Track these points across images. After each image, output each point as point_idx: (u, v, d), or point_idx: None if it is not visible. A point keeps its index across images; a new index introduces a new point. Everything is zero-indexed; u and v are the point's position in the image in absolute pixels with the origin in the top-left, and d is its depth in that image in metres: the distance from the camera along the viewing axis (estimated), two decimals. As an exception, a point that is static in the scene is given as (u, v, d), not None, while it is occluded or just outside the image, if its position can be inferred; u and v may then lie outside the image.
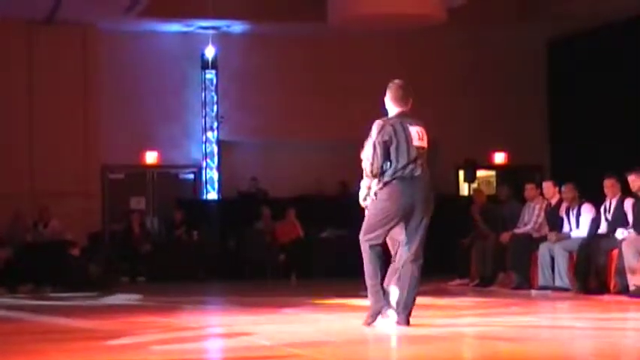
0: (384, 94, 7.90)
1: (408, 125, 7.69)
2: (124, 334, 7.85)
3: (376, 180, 7.67)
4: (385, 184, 7.62)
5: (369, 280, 7.71)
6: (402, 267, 7.67)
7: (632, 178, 11.66)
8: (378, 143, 7.58)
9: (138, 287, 15.17)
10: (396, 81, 7.94)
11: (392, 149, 7.58)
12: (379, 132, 7.62)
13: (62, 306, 11.22)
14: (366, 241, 7.74)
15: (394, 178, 7.59)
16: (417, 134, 7.68)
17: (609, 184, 11.92)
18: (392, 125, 7.65)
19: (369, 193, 7.82)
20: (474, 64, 19.36)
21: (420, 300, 7.92)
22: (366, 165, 7.76)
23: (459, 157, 18.71)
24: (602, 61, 18.15)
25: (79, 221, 16.64)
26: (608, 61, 18.01)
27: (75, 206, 16.96)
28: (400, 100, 7.83)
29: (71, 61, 17.58)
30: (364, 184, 7.91)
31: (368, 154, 7.67)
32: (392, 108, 7.87)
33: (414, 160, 7.59)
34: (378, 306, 7.67)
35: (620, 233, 11.44)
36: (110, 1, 16.54)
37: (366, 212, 7.86)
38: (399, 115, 7.79)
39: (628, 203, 11.72)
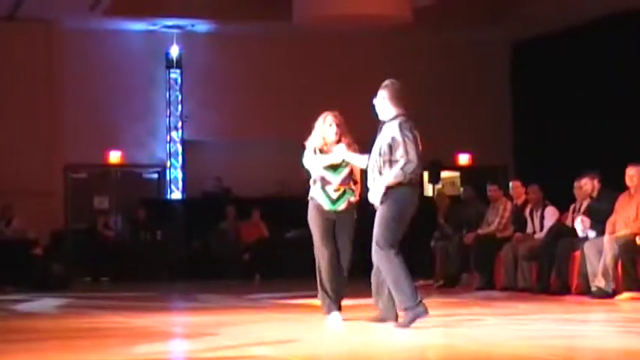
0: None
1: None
2: (89, 334, 7.82)
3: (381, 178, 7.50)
4: (402, 184, 7.53)
5: (407, 280, 7.44)
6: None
7: (584, 181, 11.82)
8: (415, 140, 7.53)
9: (101, 287, 15.10)
10: (393, 80, 7.78)
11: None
12: (411, 129, 7.53)
13: (25, 306, 11.14)
14: (390, 248, 7.46)
15: (414, 181, 7.61)
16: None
17: (578, 186, 12.00)
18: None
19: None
20: (439, 66, 19.42)
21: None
22: (409, 161, 7.54)
23: (423, 158, 18.71)
24: (566, 63, 18.30)
25: (42, 220, 16.50)
26: (572, 64, 18.15)
27: (37, 205, 16.83)
28: (403, 99, 7.67)
29: (34, 59, 17.46)
30: (386, 181, 7.56)
31: (410, 148, 7.52)
32: (392, 108, 7.67)
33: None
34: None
35: (579, 223, 11.54)
36: (73, -1, 16.46)
37: (381, 215, 7.55)
38: (407, 116, 7.62)
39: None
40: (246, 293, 12.81)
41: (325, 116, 8.48)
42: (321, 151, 8.44)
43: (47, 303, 11.41)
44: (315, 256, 8.42)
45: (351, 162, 8.24)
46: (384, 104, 7.73)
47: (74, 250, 17.02)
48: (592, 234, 11.44)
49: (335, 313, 8.26)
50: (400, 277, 7.46)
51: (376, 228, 7.59)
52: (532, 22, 18.02)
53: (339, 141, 8.36)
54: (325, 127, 8.42)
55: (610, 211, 11.27)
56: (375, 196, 7.60)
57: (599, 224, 11.35)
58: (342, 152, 8.23)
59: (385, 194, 7.56)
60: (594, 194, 11.76)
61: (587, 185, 11.81)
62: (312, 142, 8.47)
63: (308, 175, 8.63)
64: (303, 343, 7.01)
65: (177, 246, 17.44)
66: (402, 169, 7.49)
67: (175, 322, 9.41)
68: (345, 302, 8.54)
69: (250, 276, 16.66)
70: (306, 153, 8.50)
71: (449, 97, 19.41)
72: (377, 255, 7.58)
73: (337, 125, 8.40)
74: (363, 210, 8.28)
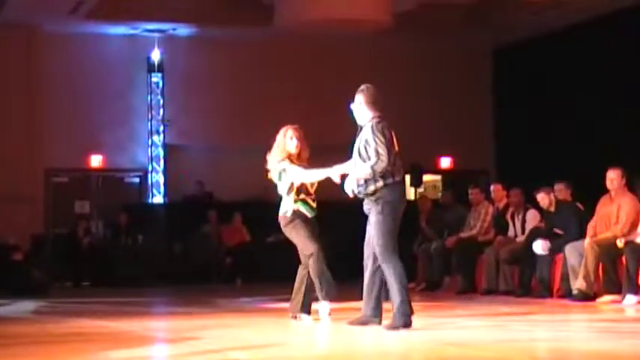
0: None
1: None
2: (69, 339, 7.79)
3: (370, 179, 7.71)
4: (387, 185, 7.76)
5: (403, 287, 7.62)
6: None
7: (540, 196, 11.91)
8: (387, 141, 7.71)
9: (82, 292, 15.03)
10: (368, 85, 8.03)
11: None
12: (383, 131, 7.72)
13: (5, 311, 11.08)
14: (394, 254, 7.63)
15: (397, 180, 7.86)
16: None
17: (539, 198, 12.10)
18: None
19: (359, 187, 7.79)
20: (420, 70, 19.46)
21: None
22: (379, 160, 7.68)
23: (405, 161, 18.68)
24: (546, 68, 18.38)
25: (23, 225, 16.45)
26: (552, 69, 18.23)
27: (18, 210, 16.77)
28: (378, 102, 7.90)
29: (15, 63, 17.42)
30: (356, 175, 7.79)
31: (381, 149, 7.67)
32: (368, 112, 7.88)
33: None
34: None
35: (538, 246, 11.59)
36: (55, 3, 16.38)
37: (376, 221, 7.70)
38: (381, 118, 7.85)
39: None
40: (227, 297, 12.78)
41: (286, 130, 8.83)
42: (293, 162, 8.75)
43: (27, 308, 11.35)
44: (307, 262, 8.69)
45: (347, 172, 8.25)
46: (360, 109, 7.96)
47: (55, 255, 16.96)
48: (544, 253, 11.58)
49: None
50: (403, 283, 7.62)
51: (376, 237, 7.70)
52: (513, 27, 18.08)
53: (299, 154, 8.72)
54: (287, 140, 8.76)
55: (567, 223, 11.46)
56: (349, 187, 7.85)
57: (556, 237, 11.47)
58: (339, 168, 8.28)
59: (375, 199, 7.73)
60: (552, 208, 11.86)
61: (544, 200, 11.91)
62: (276, 156, 8.74)
63: (273, 184, 8.80)
64: (285, 347, 7.00)
65: (159, 250, 17.39)
66: (372, 167, 7.70)
67: (157, 327, 9.39)
68: (332, 305, 8.61)
69: (232, 280, 16.65)
70: (289, 167, 8.64)
71: (430, 101, 19.45)
72: (383, 264, 7.69)
73: (298, 139, 8.74)
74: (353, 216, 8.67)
